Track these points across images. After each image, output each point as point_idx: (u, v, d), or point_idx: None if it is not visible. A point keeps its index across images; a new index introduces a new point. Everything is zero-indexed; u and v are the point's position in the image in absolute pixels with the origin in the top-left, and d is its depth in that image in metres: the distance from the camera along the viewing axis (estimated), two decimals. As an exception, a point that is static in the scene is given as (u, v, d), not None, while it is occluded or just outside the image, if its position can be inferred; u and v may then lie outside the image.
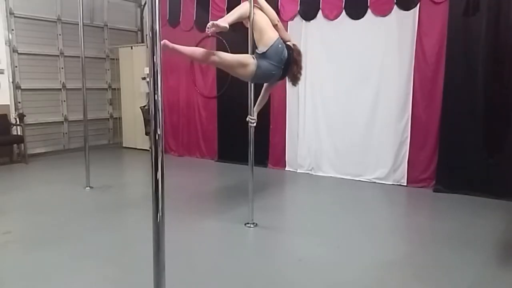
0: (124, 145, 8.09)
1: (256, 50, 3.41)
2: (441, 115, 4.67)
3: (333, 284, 2.61)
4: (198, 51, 3.35)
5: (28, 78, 6.79)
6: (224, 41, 6.04)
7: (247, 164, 3.67)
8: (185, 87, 6.89)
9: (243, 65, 3.32)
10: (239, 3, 3.54)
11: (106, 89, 8.13)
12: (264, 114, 5.73)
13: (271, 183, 5.24)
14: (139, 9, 8.37)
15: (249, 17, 3.40)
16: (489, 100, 4.39)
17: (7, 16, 6.45)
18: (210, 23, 3.24)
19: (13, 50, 6.58)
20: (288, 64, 3.46)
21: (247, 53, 3.46)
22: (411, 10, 4.75)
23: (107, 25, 7.95)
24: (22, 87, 6.72)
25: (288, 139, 5.91)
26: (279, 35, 3.42)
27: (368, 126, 5.18)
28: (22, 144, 6.49)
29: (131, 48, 7.75)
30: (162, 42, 2.66)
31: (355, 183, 5.18)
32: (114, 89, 8.17)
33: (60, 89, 7.28)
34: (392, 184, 5.03)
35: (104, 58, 8.02)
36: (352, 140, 5.30)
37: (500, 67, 4.33)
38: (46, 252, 3.06)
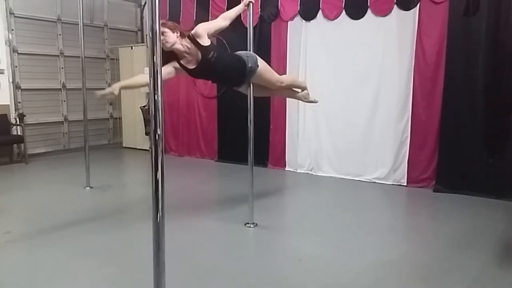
0: (124, 145, 8.08)
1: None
2: (441, 115, 4.67)
3: (333, 284, 2.61)
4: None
5: (28, 78, 6.78)
6: (224, 41, 6.04)
7: (247, 164, 3.67)
8: (185, 87, 6.89)
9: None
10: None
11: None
12: (264, 114, 5.79)
13: (271, 183, 5.24)
14: (139, 9, 8.36)
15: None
16: (489, 100, 4.39)
17: (7, 16, 6.45)
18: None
19: (13, 50, 6.58)
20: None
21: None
22: (411, 10, 4.74)
23: (107, 25, 7.94)
24: (22, 87, 6.71)
25: (288, 139, 5.90)
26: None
27: (368, 126, 5.18)
28: (22, 144, 6.48)
29: (131, 48, 7.74)
30: None
31: (355, 183, 5.18)
32: (114, 89, 8.15)
33: (60, 89, 7.28)
34: (392, 184, 5.03)
35: (104, 58, 8.01)
36: (352, 140, 5.30)
37: (500, 67, 4.32)
38: (46, 252, 3.06)
